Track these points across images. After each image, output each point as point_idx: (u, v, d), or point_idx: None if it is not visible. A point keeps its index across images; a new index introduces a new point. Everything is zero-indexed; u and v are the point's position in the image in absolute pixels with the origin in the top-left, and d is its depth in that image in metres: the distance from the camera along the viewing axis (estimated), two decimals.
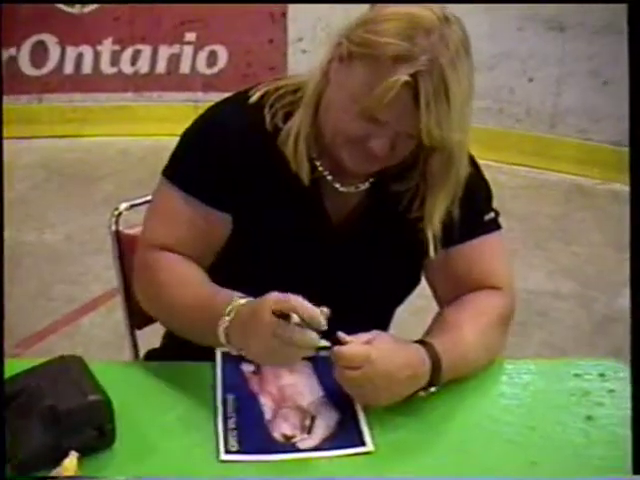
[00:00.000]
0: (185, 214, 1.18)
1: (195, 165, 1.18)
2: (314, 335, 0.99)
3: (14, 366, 0.99)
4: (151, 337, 1.46)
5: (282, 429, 1.04)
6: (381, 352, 1.03)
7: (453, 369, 1.10)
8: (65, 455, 0.89)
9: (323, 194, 1.19)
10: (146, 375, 1.16)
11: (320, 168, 1.18)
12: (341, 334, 1.05)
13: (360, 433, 1.04)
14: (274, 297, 1.01)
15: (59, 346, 2.37)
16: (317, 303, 1.21)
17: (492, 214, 1.24)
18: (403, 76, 1.00)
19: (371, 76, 1.03)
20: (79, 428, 0.91)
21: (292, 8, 3.70)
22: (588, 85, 3.66)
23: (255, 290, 1.22)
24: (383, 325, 1.37)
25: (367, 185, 1.20)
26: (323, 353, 1.14)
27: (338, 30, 1.09)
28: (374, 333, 1.07)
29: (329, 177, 1.19)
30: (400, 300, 1.31)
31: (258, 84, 1.20)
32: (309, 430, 1.05)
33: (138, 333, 1.51)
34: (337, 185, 1.19)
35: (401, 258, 1.24)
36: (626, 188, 3.48)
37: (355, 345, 1.04)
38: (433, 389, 1.09)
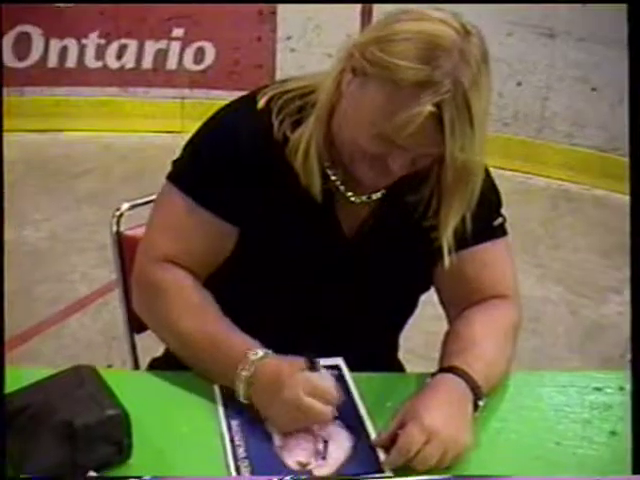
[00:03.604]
0: (194, 224, 1.14)
1: (206, 174, 1.13)
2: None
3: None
4: (147, 341, 1.41)
5: (296, 456, 0.99)
6: (427, 416, 1.00)
7: (485, 384, 1.08)
8: (81, 473, 0.84)
9: (335, 205, 1.16)
10: (155, 385, 1.12)
11: (333, 178, 1.14)
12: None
13: (377, 458, 1.00)
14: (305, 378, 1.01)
15: (44, 348, 2.30)
16: (331, 314, 1.19)
17: (500, 219, 1.23)
18: (427, 106, 0.96)
19: (391, 102, 0.98)
20: (96, 444, 0.86)
21: (282, 6, 3.66)
22: (576, 91, 3.66)
23: (266, 303, 1.19)
24: (395, 332, 1.35)
25: (379, 195, 1.17)
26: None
27: (349, 41, 1.05)
28: (402, 412, 1.03)
29: (341, 187, 1.15)
30: (413, 306, 1.29)
31: (265, 86, 1.15)
32: (323, 455, 1.00)
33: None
34: (349, 195, 1.15)
35: (414, 265, 1.21)
36: (610, 194, 3.48)
37: (406, 433, 0.98)
38: (481, 403, 1.07)
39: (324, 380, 1.02)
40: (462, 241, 1.16)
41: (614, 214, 3.51)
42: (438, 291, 1.25)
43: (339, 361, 1.14)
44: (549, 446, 1.06)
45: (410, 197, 1.15)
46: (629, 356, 2.44)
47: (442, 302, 1.26)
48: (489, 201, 1.20)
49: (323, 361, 1.09)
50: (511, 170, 3.67)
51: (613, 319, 2.79)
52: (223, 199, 1.13)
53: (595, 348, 2.61)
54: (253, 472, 0.97)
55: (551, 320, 2.75)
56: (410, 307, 1.29)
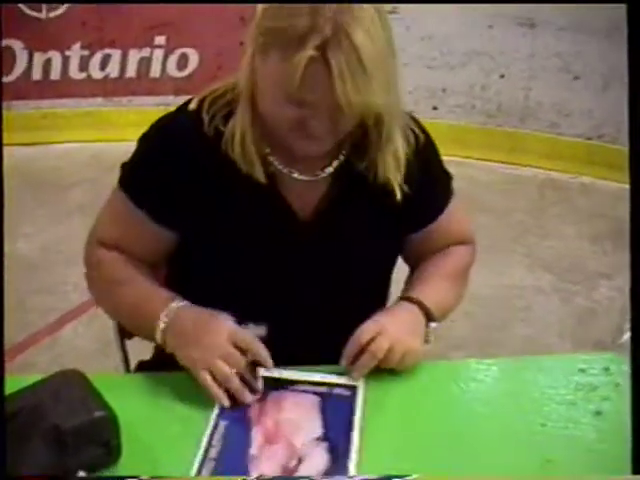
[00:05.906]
0: (133, 225, 1.20)
1: (145, 180, 1.18)
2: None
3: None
4: (139, 347, 1.42)
5: (262, 469, 0.96)
6: (381, 318, 1.15)
7: (435, 310, 1.19)
8: (71, 475, 0.85)
9: (282, 189, 1.18)
10: (143, 387, 1.13)
11: (275, 162, 1.16)
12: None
13: None
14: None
15: (39, 358, 2.31)
16: (303, 301, 1.20)
17: (450, 180, 1.30)
18: (308, 51, 0.98)
19: (283, 60, 1.01)
20: (85, 446, 0.88)
21: None
22: (559, 80, 3.68)
23: (229, 301, 1.16)
24: (374, 306, 1.35)
25: (332, 170, 1.18)
26: (338, 390, 1.10)
27: (253, 22, 1.07)
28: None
29: (284, 170, 1.17)
30: (385, 286, 1.33)
31: None
32: (291, 472, 0.97)
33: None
34: (295, 175, 1.17)
35: (376, 237, 1.23)
36: (597, 181, 3.49)
37: (362, 327, 1.13)
38: (434, 325, 1.19)
39: (247, 333, 1.10)
40: (428, 216, 1.26)
41: (601, 201, 3.52)
42: (407, 260, 1.33)
43: (359, 383, 1.12)
44: (535, 428, 1.07)
45: (360, 165, 1.18)
46: (621, 340, 2.46)
47: (408, 262, 1.33)
48: (439, 169, 1.28)
49: (339, 379, 1.12)
50: (497, 161, 3.68)
51: (604, 305, 2.80)
52: (161, 203, 1.17)
53: (587, 335, 2.63)
54: (213, 474, 0.96)
55: (542, 308, 2.77)
56: (381, 286, 1.31)
